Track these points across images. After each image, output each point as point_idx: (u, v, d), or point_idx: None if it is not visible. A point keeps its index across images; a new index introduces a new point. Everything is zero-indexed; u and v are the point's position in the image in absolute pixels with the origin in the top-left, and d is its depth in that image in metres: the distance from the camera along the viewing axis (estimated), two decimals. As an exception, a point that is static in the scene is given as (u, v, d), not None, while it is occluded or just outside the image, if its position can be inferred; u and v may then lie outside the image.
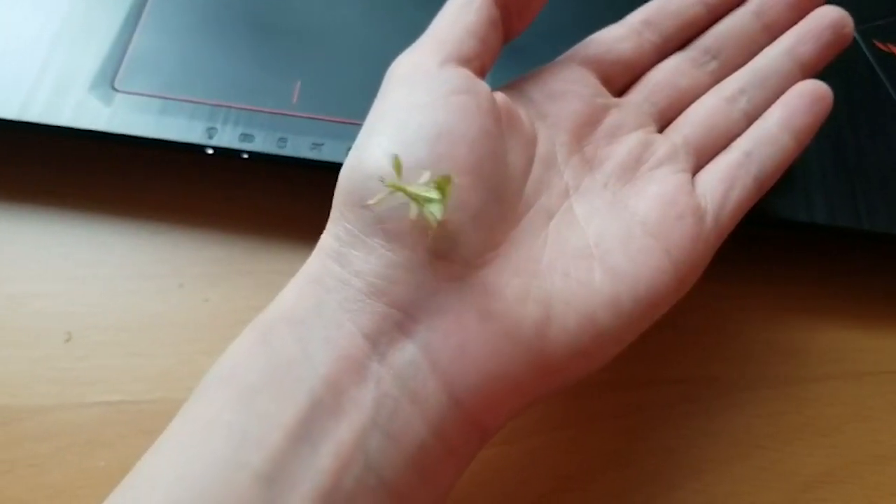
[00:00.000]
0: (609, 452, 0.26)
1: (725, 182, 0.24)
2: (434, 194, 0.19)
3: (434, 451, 0.19)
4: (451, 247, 0.20)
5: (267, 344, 0.19)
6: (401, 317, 0.19)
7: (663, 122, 0.26)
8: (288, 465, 0.17)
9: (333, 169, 0.28)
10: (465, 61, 0.22)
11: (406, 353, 0.19)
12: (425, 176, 0.20)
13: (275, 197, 0.30)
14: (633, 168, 0.24)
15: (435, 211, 0.19)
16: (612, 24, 0.27)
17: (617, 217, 0.23)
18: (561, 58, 0.26)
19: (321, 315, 0.19)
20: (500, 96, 0.23)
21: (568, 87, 0.24)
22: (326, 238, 0.21)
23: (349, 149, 0.28)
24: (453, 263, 0.20)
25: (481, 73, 0.23)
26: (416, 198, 0.19)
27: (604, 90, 0.25)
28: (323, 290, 0.19)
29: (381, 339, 0.19)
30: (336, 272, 0.20)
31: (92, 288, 0.28)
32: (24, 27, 0.30)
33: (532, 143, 0.23)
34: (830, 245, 0.31)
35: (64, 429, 0.26)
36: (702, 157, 0.25)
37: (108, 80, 0.29)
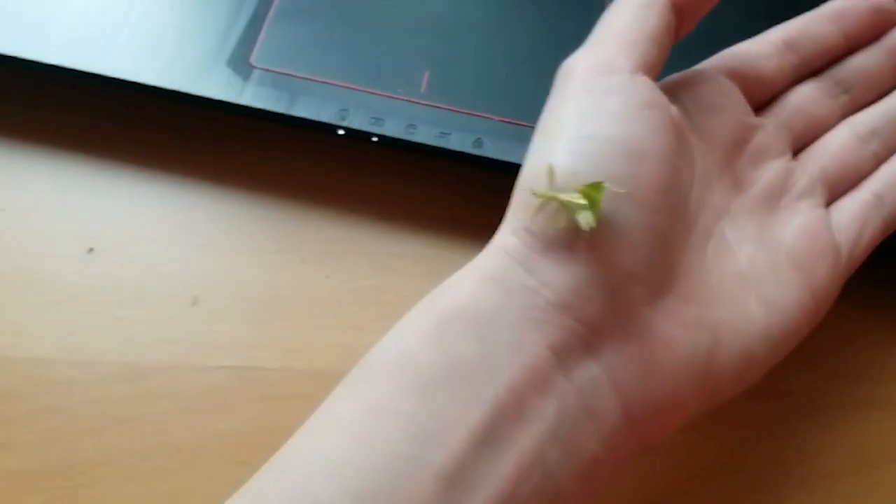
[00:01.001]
0: (724, 458, 0.26)
1: (859, 221, 0.24)
2: (585, 201, 0.19)
3: (603, 465, 0.19)
4: (645, 271, 0.20)
5: (443, 338, 0.19)
6: (588, 335, 0.19)
7: (795, 149, 0.26)
8: (470, 468, 0.17)
9: (459, 158, 0.29)
10: (649, 69, 0.22)
11: (590, 370, 0.19)
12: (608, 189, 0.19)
13: (398, 182, 0.31)
14: (777, 196, 0.24)
15: (587, 218, 0.19)
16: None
17: (765, 246, 0.23)
18: (706, 67, 0.25)
19: (504, 319, 0.19)
20: (674, 110, 0.22)
21: (720, 101, 0.24)
22: (510, 238, 0.20)
23: (476, 140, 0.29)
24: (644, 287, 0.20)
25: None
26: (567, 205, 0.19)
27: (749, 108, 0.25)
28: (505, 292, 0.19)
29: (567, 353, 0.19)
30: (522, 277, 0.19)
31: (218, 257, 0.29)
32: (164, -1, 0.31)
33: (693, 159, 0.23)
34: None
35: (187, 389, 0.26)
36: (833, 191, 0.25)
37: (245, 55, 0.30)
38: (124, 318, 0.27)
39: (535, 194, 0.19)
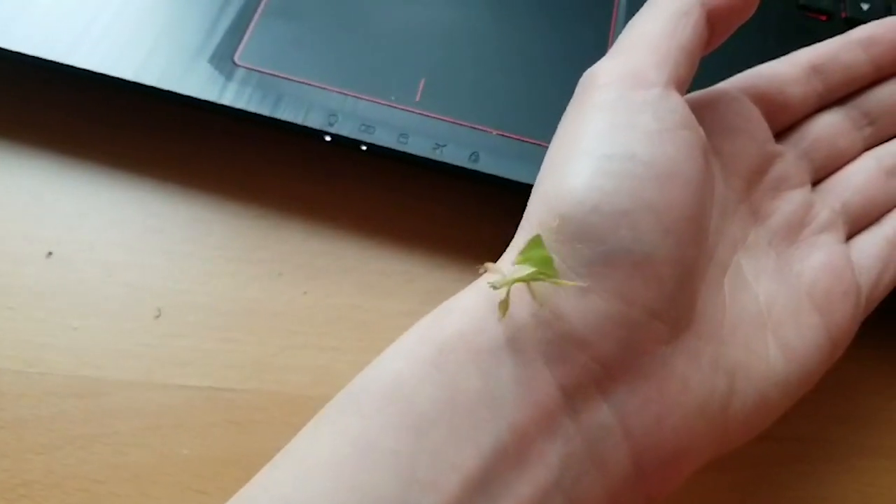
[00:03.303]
0: (724, 500, 0.24)
1: (881, 262, 0.23)
2: (535, 265, 0.17)
3: None
4: (668, 307, 0.18)
5: (442, 368, 0.17)
6: (602, 374, 0.17)
7: (815, 179, 0.25)
8: None
9: (453, 173, 0.27)
10: (680, 85, 0.20)
11: (600, 414, 0.17)
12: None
13: (387, 195, 0.29)
14: (796, 229, 0.23)
15: (543, 293, 0.17)
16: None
17: (784, 283, 0.22)
18: (728, 87, 0.24)
19: (511, 350, 0.17)
20: (702, 131, 0.20)
21: (742, 125, 0.23)
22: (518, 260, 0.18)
23: (472, 154, 0.27)
24: (665, 324, 0.18)
25: None
26: (527, 279, 0.17)
27: (770, 135, 0.23)
28: (514, 321, 0.17)
29: (577, 393, 0.17)
30: (534, 306, 0.17)
31: (186, 266, 0.27)
32: (146, -11, 0.29)
33: (714, 185, 0.21)
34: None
35: (146, 409, 0.24)
36: (853, 226, 0.24)
37: (229, 52, 0.28)
38: (81, 328, 0.25)
39: (492, 286, 0.17)
